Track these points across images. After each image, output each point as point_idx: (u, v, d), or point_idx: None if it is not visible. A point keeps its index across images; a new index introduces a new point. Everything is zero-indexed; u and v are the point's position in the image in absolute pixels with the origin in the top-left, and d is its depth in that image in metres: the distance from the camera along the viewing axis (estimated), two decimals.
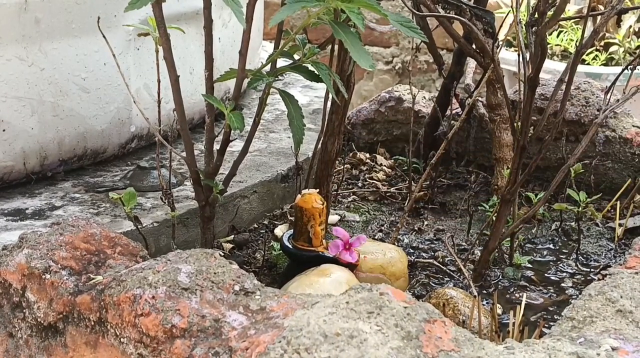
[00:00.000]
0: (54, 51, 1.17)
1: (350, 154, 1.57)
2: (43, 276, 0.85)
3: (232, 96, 0.95)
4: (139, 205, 1.15)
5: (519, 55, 1.10)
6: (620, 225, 1.26)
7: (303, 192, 1.08)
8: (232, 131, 0.94)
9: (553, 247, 1.25)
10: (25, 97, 1.15)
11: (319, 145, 1.19)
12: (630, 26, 2.37)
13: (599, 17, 1.45)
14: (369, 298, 0.72)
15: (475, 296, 1.02)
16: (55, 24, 1.16)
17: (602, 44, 2.38)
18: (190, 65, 1.40)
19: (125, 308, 0.77)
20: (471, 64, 1.50)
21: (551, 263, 1.20)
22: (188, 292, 0.77)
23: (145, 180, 1.24)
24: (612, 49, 2.36)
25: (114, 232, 0.93)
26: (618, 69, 1.28)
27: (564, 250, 1.24)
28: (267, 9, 2.01)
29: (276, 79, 0.94)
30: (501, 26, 1.36)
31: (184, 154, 0.98)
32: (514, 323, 0.91)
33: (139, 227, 1.03)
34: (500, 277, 1.14)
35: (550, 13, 1.00)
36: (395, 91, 1.61)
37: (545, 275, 1.16)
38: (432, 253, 1.22)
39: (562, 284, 1.13)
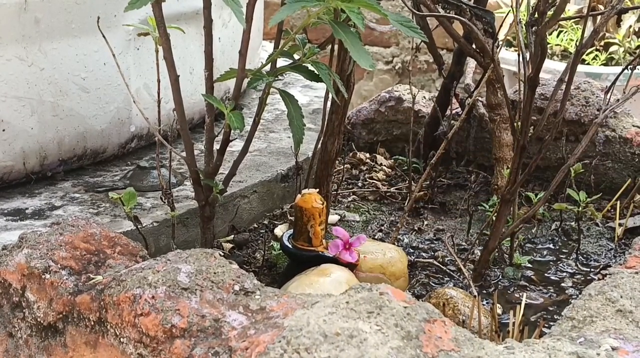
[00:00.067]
0: (54, 51, 1.17)
1: (350, 154, 1.57)
2: (43, 276, 0.85)
3: (232, 96, 0.95)
4: (138, 205, 1.15)
5: (519, 55, 1.10)
6: (620, 225, 1.26)
7: (303, 191, 1.08)
8: (232, 131, 0.94)
9: (553, 247, 1.25)
10: (25, 96, 1.15)
11: (319, 145, 1.19)
12: (630, 26, 2.37)
13: (599, 17, 1.45)
14: (369, 298, 0.72)
15: (475, 296, 1.02)
16: (55, 23, 1.16)
17: (602, 43, 2.38)
18: (190, 65, 1.40)
19: (125, 308, 0.77)
20: (471, 63, 1.50)
21: (551, 263, 1.20)
22: (188, 291, 0.77)
23: (145, 180, 1.24)
24: (612, 48, 2.36)
25: (114, 232, 0.93)
26: (618, 69, 1.28)
27: (564, 250, 1.24)
28: (267, 8, 2.02)
29: (276, 78, 0.93)
30: (501, 26, 1.36)
31: (183, 154, 0.98)
32: (513, 323, 0.91)
33: (138, 226, 1.03)
34: (500, 277, 1.14)
35: (550, 13, 1.00)
36: (395, 91, 1.61)
37: (545, 275, 1.16)
38: (432, 253, 1.22)
39: (562, 284, 1.13)
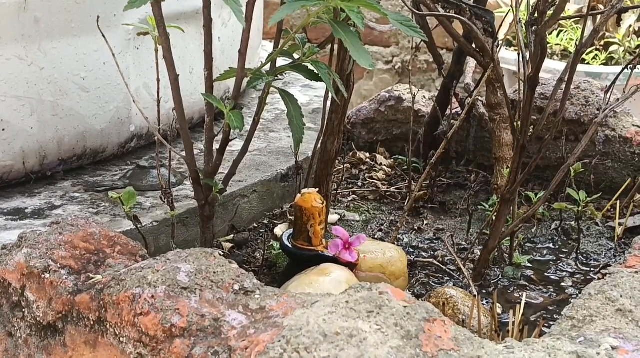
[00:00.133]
0: (54, 50, 1.17)
1: (350, 154, 1.57)
2: (42, 275, 0.85)
3: (232, 95, 0.95)
4: (138, 204, 1.15)
5: (518, 54, 1.10)
6: (620, 224, 1.26)
7: (303, 191, 1.08)
8: (232, 130, 0.94)
9: (553, 247, 1.25)
10: (24, 96, 1.15)
11: (319, 145, 1.19)
12: (630, 25, 2.37)
13: (598, 17, 1.45)
14: (369, 297, 0.72)
15: (475, 295, 1.02)
16: (54, 23, 1.16)
17: (602, 43, 2.38)
18: (189, 65, 1.40)
19: (124, 308, 0.77)
20: (471, 63, 1.50)
21: (551, 262, 1.19)
22: (187, 291, 0.77)
23: (144, 179, 1.23)
24: (612, 48, 2.36)
25: (114, 232, 0.93)
26: (618, 69, 1.28)
27: (563, 250, 1.24)
28: (267, 8, 2.01)
29: (276, 78, 0.93)
30: (501, 25, 1.36)
31: (183, 154, 0.98)
32: (513, 322, 0.91)
33: (138, 226, 1.03)
34: (500, 277, 1.14)
35: (550, 12, 1.00)
36: (395, 90, 1.61)
37: (545, 274, 1.16)
38: (432, 253, 1.22)
39: (562, 283, 1.13)
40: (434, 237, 1.27)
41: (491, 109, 1.35)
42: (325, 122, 1.16)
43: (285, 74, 1.61)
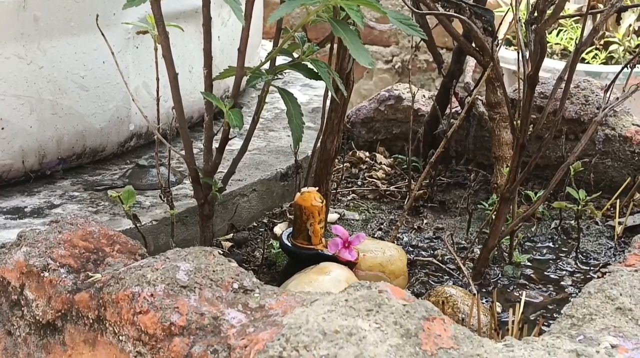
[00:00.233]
0: (53, 49, 1.17)
1: (350, 153, 1.57)
2: (41, 274, 0.85)
3: (231, 94, 0.95)
4: (137, 203, 1.15)
5: (518, 53, 1.10)
6: (619, 223, 1.26)
7: (302, 190, 1.08)
8: (231, 129, 0.93)
9: (552, 246, 1.25)
10: (24, 95, 1.15)
11: (318, 144, 1.18)
12: (630, 25, 2.37)
13: (598, 15, 1.45)
14: (368, 296, 0.72)
15: (474, 294, 1.02)
16: (54, 22, 1.16)
17: (601, 42, 2.38)
18: (189, 64, 1.40)
19: (123, 306, 0.77)
20: (471, 62, 1.50)
21: (551, 261, 1.19)
22: (187, 289, 0.77)
23: (144, 178, 1.23)
24: (611, 47, 2.36)
25: (113, 230, 0.93)
26: (618, 68, 1.28)
27: (563, 249, 1.24)
28: (266, 7, 2.01)
29: (275, 76, 0.93)
30: (500, 24, 1.36)
31: (182, 152, 0.98)
32: (513, 321, 0.91)
33: (137, 225, 1.03)
34: (500, 275, 1.14)
35: (549, 11, 1.00)
36: (395, 90, 1.61)
37: (545, 273, 1.16)
38: (432, 252, 1.22)
39: (562, 282, 1.13)
40: (434, 236, 1.27)
41: (491, 108, 1.35)
42: (325, 121, 1.16)
43: (285, 73, 1.61)
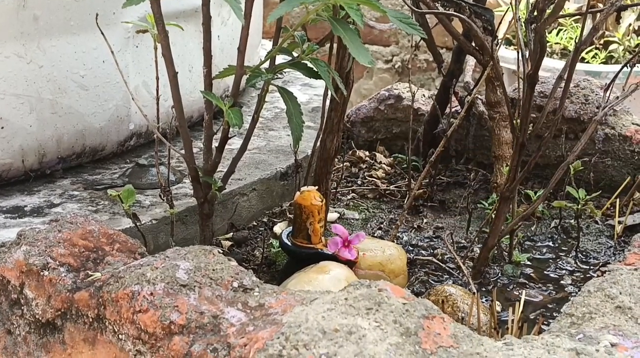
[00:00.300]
0: (53, 48, 1.17)
1: (350, 152, 1.57)
2: (41, 273, 0.85)
3: (231, 93, 0.95)
4: (137, 202, 1.15)
5: (518, 52, 1.10)
6: (619, 222, 1.26)
7: (302, 189, 1.08)
8: (231, 128, 0.93)
9: (552, 245, 1.25)
10: (23, 94, 1.15)
11: (318, 143, 1.18)
12: (630, 24, 2.37)
13: (598, 15, 1.45)
14: (368, 294, 0.72)
15: (474, 293, 1.02)
16: (53, 21, 1.16)
17: (601, 42, 2.38)
18: (189, 63, 1.40)
19: (123, 305, 0.77)
20: (470, 61, 1.50)
21: (550, 260, 1.19)
22: (186, 288, 0.77)
23: (144, 177, 1.23)
24: (611, 47, 2.36)
25: (113, 229, 0.93)
26: (617, 67, 1.28)
27: (563, 248, 1.24)
28: (266, 7, 2.01)
29: (275, 75, 0.93)
30: (500, 23, 1.36)
31: (182, 152, 0.98)
32: (512, 320, 0.91)
33: (137, 224, 1.03)
34: (500, 275, 1.14)
35: (549, 10, 1.00)
36: (395, 89, 1.61)
37: (545, 272, 1.16)
38: (432, 251, 1.22)
39: (562, 282, 1.13)
40: (434, 235, 1.27)
41: (490, 107, 1.35)
42: (325, 120, 1.16)
43: (285, 72, 1.61)
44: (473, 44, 1.31)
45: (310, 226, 1.06)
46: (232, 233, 1.22)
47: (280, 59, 0.99)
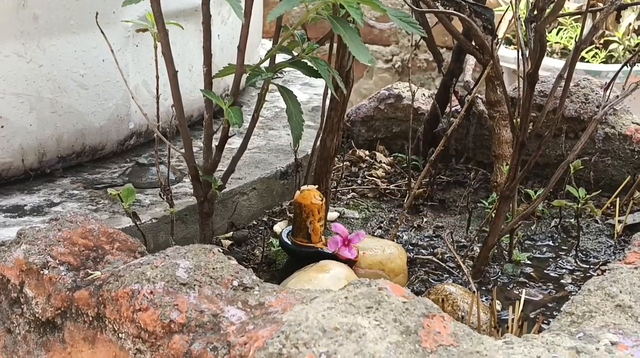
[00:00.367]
0: (53, 47, 1.17)
1: (350, 151, 1.57)
2: (41, 271, 0.84)
3: (231, 92, 0.95)
4: (137, 201, 1.15)
5: (518, 51, 1.10)
6: (619, 221, 1.26)
7: (302, 188, 1.08)
8: (231, 127, 0.93)
9: (552, 244, 1.25)
10: (23, 93, 1.15)
11: (318, 142, 1.18)
12: (630, 24, 2.37)
13: (598, 14, 1.45)
14: (368, 293, 0.72)
15: (474, 292, 1.02)
16: (53, 20, 1.16)
17: (601, 41, 2.38)
18: (189, 62, 1.40)
19: (123, 304, 0.77)
20: (470, 61, 1.50)
21: (550, 259, 1.19)
22: (186, 287, 0.77)
23: (144, 176, 1.23)
24: (611, 46, 2.36)
25: (113, 228, 0.93)
26: (618, 67, 1.28)
27: (563, 247, 1.24)
28: (266, 7, 2.01)
29: (275, 74, 0.93)
30: (500, 23, 1.36)
31: (182, 151, 0.98)
32: (512, 319, 0.91)
33: (137, 223, 1.03)
34: (500, 274, 1.14)
35: (549, 9, 1.00)
36: (395, 88, 1.61)
37: (545, 271, 1.16)
38: (432, 250, 1.22)
39: (562, 281, 1.13)
40: (434, 235, 1.27)
41: (490, 107, 1.35)
42: (325, 120, 1.16)
43: (285, 72, 1.61)
44: (473, 43, 1.31)
45: (310, 225, 1.06)
46: (232, 232, 1.22)
47: (280, 57, 0.99)
